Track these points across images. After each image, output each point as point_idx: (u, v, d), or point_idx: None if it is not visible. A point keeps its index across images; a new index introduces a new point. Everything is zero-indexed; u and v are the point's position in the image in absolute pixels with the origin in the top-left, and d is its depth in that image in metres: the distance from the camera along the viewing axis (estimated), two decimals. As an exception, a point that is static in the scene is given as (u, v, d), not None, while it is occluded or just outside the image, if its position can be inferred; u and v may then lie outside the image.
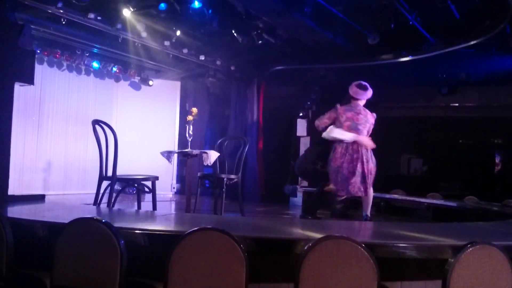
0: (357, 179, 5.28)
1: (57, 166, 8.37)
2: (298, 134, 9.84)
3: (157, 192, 5.47)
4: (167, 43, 7.78)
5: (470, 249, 2.36)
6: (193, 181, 6.19)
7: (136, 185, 5.44)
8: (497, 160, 9.75)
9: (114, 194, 5.24)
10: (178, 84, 9.97)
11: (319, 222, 5.11)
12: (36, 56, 6.38)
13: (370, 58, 8.43)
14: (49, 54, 7.88)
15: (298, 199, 9.11)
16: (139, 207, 5.42)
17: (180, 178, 9.74)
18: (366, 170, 5.31)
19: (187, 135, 5.77)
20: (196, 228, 2.43)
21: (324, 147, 5.83)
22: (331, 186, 5.50)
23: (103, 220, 2.58)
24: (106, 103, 9.17)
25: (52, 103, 8.34)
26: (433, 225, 4.74)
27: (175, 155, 5.99)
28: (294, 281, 2.33)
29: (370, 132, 5.57)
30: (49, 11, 6.41)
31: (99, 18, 6.84)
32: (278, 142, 10.05)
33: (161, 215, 4.49)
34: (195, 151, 5.73)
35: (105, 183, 5.20)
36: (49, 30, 6.96)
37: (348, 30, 7.46)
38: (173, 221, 4.21)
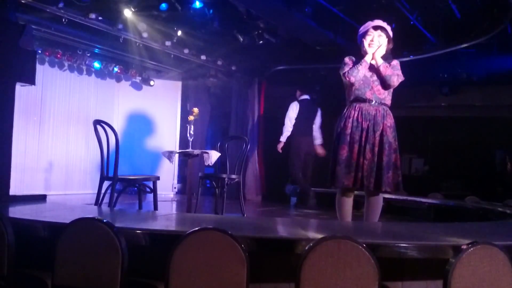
0: None
1: (58, 166, 8.36)
2: (299, 134, 9.82)
3: (158, 192, 5.48)
4: (168, 43, 7.78)
5: (471, 249, 2.35)
6: (194, 181, 6.20)
7: (137, 185, 5.44)
8: (499, 160, 9.74)
9: (115, 194, 5.24)
10: (179, 84, 9.96)
11: (320, 222, 5.10)
12: (38, 56, 6.38)
13: (371, 58, 8.40)
14: (50, 55, 7.86)
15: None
16: (140, 207, 5.42)
17: (181, 178, 9.74)
18: None
19: (188, 135, 5.77)
20: (197, 228, 2.43)
21: None
22: None
23: (104, 220, 2.58)
24: (107, 103, 9.16)
25: (53, 103, 8.32)
26: (434, 225, 4.73)
27: (176, 155, 5.99)
28: (295, 281, 2.33)
29: None
30: (50, 11, 6.41)
31: (100, 18, 6.84)
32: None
33: (162, 215, 4.49)
34: (196, 151, 5.73)
35: (106, 183, 5.21)
36: (50, 30, 6.94)
37: (349, 30, 7.45)
38: (174, 221, 4.21)
